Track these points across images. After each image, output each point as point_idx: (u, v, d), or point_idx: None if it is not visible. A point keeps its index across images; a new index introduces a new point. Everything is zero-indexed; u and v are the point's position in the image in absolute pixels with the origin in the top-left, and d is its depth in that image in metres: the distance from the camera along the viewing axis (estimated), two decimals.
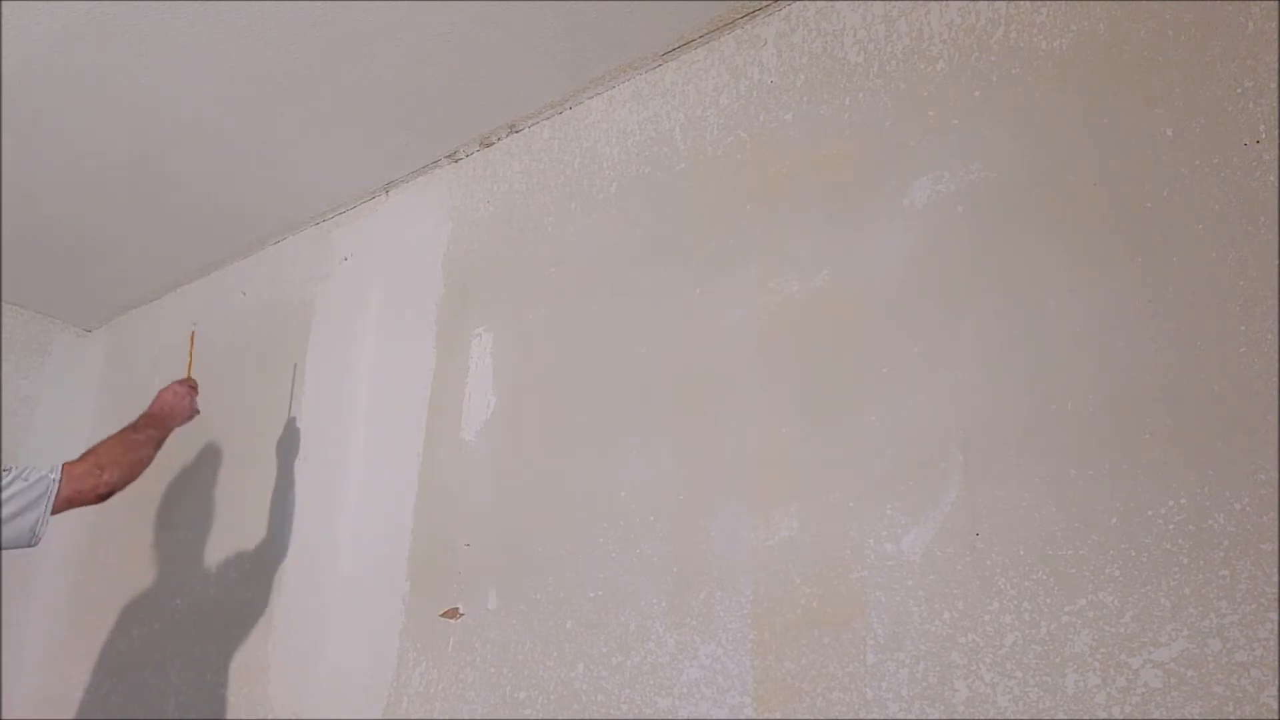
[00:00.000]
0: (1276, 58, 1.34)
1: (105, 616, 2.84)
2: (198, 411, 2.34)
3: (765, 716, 1.53)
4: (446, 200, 2.41)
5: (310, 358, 2.59)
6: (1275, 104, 1.32)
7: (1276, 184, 1.30)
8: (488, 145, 2.36)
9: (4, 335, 3.19)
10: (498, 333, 2.17)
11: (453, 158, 2.42)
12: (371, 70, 2.14)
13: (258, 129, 2.35)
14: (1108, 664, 1.26)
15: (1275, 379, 1.24)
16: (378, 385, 2.39)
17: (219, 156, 2.45)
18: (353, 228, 2.63)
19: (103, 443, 2.05)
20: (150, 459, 2.13)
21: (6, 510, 1.81)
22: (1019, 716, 1.31)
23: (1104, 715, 1.25)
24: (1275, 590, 1.18)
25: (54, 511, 1.89)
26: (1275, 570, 1.18)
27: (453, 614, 2.00)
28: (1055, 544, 1.34)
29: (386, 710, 2.04)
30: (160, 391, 2.29)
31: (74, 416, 3.25)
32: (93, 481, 1.95)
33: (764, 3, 1.90)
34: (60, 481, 1.89)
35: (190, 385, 2.33)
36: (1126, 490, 1.31)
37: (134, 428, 2.14)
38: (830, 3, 1.83)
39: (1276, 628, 1.17)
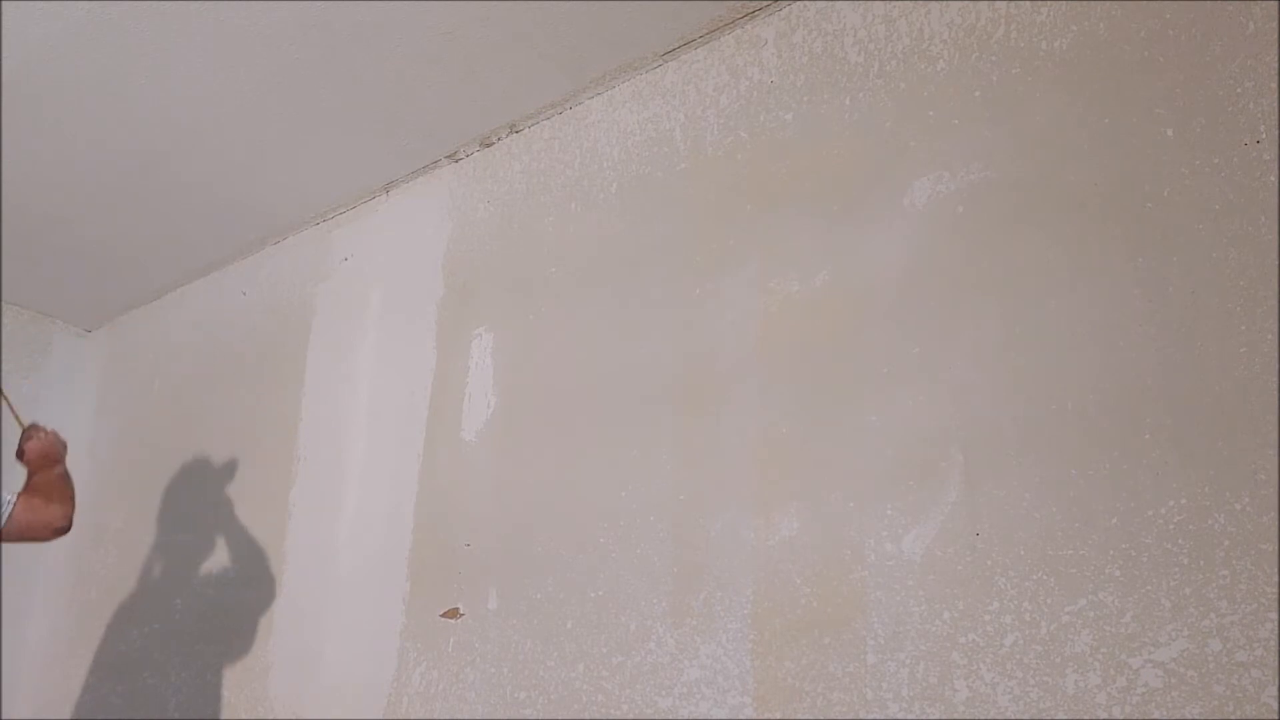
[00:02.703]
0: (1276, 58, 1.34)
1: (105, 617, 2.84)
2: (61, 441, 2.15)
3: (765, 716, 1.53)
4: (446, 200, 2.41)
5: (310, 358, 2.59)
6: (1275, 104, 1.32)
7: (1276, 184, 1.30)
8: (488, 145, 2.36)
9: (4, 335, 3.19)
10: (498, 333, 2.17)
11: (453, 158, 2.42)
12: (372, 70, 2.14)
13: (258, 129, 2.35)
14: (1108, 664, 1.26)
15: (1275, 379, 1.24)
16: (378, 385, 2.39)
17: (219, 156, 2.45)
18: (353, 228, 2.63)
19: (31, 490, 1.95)
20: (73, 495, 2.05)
21: None
22: (1019, 716, 1.31)
23: (1104, 715, 1.25)
24: (1275, 590, 1.18)
25: (4, 539, 1.83)
26: (1275, 570, 1.18)
27: (453, 614, 2.00)
28: (1055, 544, 1.34)
29: (386, 710, 2.04)
30: (23, 450, 2.06)
31: (74, 416, 3.25)
32: (49, 515, 1.90)
33: (764, 3, 1.90)
34: (15, 506, 1.84)
35: (33, 426, 2.13)
36: (1126, 490, 1.31)
37: (35, 488, 1.99)
38: (830, 3, 1.83)
39: (1276, 628, 1.17)
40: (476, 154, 2.38)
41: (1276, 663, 1.16)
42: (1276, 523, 1.20)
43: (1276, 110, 1.32)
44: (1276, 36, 1.34)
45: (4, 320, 3.21)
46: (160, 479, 2.87)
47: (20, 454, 2.04)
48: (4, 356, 3.17)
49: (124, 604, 2.80)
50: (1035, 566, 1.35)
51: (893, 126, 1.69)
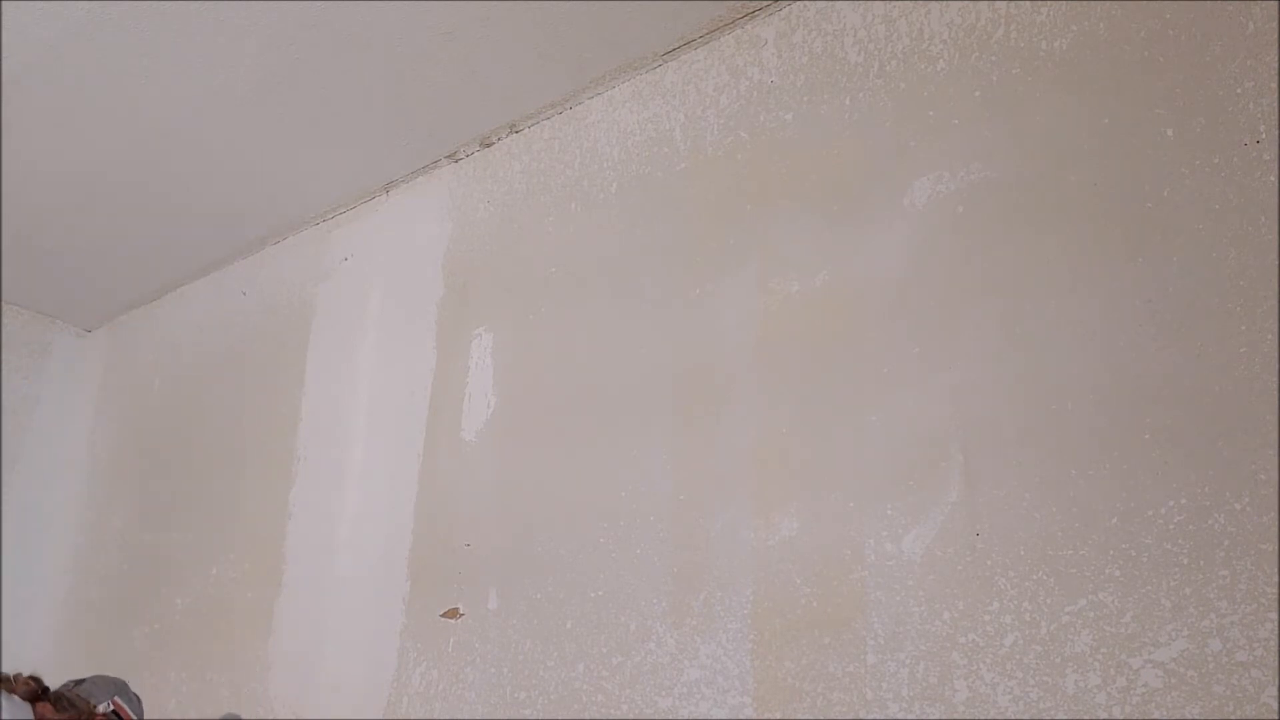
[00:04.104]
0: (1276, 58, 1.34)
1: (105, 617, 2.84)
2: None
3: (765, 716, 1.53)
4: (446, 200, 2.41)
5: (310, 358, 2.59)
6: (1275, 104, 1.32)
7: (1276, 184, 1.30)
8: (488, 145, 2.36)
9: (4, 335, 3.19)
10: (498, 333, 2.17)
11: (453, 158, 2.42)
12: (372, 70, 2.14)
13: (258, 129, 2.35)
14: (1108, 664, 1.26)
15: (1275, 379, 1.24)
16: (378, 385, 2.39)
17: (219, 156, 2.45)
18: (353, 228, 2.63)
19: None
20: None
21: None
22: (1019, 716, 1.31)
23: (1104, 715, 1.25)
24: (1275, 590, 1.18)
25: None
26: (1275, 570, 1.18)
27: (453, 614, 2.00)
28: (1055, 544, 1.34)
29: (386, 710, 2.04)
30: None
31: (74, 416, 3.25)
32: None
33: (764, 3, 1.90)
34: None
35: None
36: (1126, 490, 1.31)
37: None
38: (830, 3, 1.83)
39: (1276, 628, 1.17)
40: (476, 154, 2.38)
41: (1276, 663, 1.16)
42: (1276, 523, 1.20)
43: (1276, 110, 1.32)
44: (1276, 36, 1.34)
45: (4, 320, 3.21)
46: (160, 479, 2.87)
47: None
48: (4, 356, 3.18)
49: (124, 604, 2.80)
50: (1035, 566, 1.35)
51: (893, 126, 1.69)
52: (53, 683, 1.96)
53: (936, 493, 1.46)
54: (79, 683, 2.02)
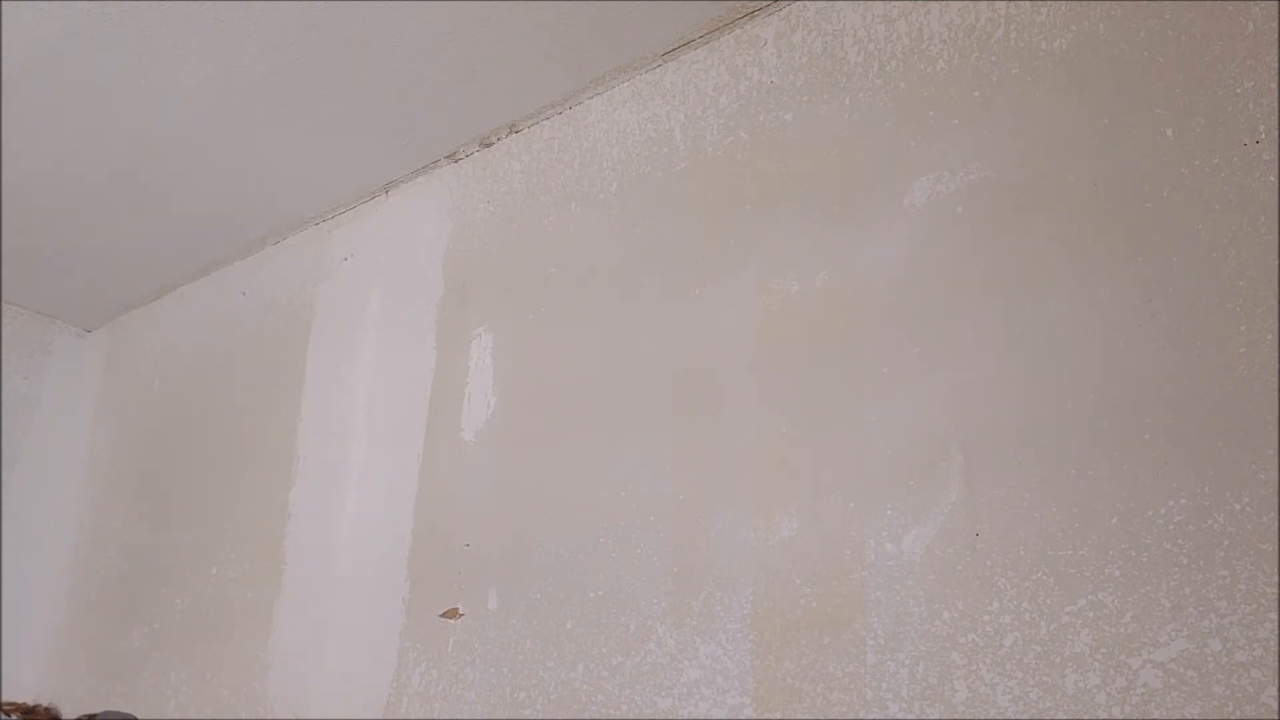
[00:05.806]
0: (1276, 58, 1.34)
1: (105, 617, 2.84)
2: None
3: (765, 716, 1.53)
4: (446, 200, 2.41)
5: (310, 358, 2.59)
6: (1275, 104, 1.32)
7: (1276, 184, 1.30)
8: (488, 145, 2.36)
9: (4, 335, 3.19)
10: (498, 333, 2.17)
11: (453, 158, 2.42)
12: (372, 70, 2.14)
13: (258, 129, 2.35)
14: (1108, 664, 1.26)
15: (1275, 379, 1.24)
16: (378, 385, 2.39)
17: (219, 156, 2.45)
18: (353, 228, 2.63)
19: None
20: None
21: None
22: (1019, 716, 1.31)
23: (1104, 715, 1.25)
24: (1275, 590, 1.18)
25: None
26: (1275, 570, 1.19)
27: (453, 614, 2.00)
28: (1055, 544, 1.34)
29: (386, 710, 2.04)
30: None
31: (74, 417, 3.25)
32: None
33: (764, 3, 1.91)
34: None
35: None
36: (1126, 490, 1.31)
37: None
38: (830, 3, 1.83)
39: (1276, 628, 1.17)
40: (476, 154, 2.38)
41: (1276, 663, 1.16)
42: (1276, 523, 1.20)
43: (1276, 110, 1.32)
44: (1276, 36, 1.34)
45: (4, 320, 3.21)
46: (160, 479, 2.87)
47: None
48: (4, 357, 3.18)
49: (124, 604, 2.80)
50: (1035, 566, 1.35)
51: (893, 126, 1.69)
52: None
53: (936, 493, 1.46)
54: (92, 717, 2.01)
